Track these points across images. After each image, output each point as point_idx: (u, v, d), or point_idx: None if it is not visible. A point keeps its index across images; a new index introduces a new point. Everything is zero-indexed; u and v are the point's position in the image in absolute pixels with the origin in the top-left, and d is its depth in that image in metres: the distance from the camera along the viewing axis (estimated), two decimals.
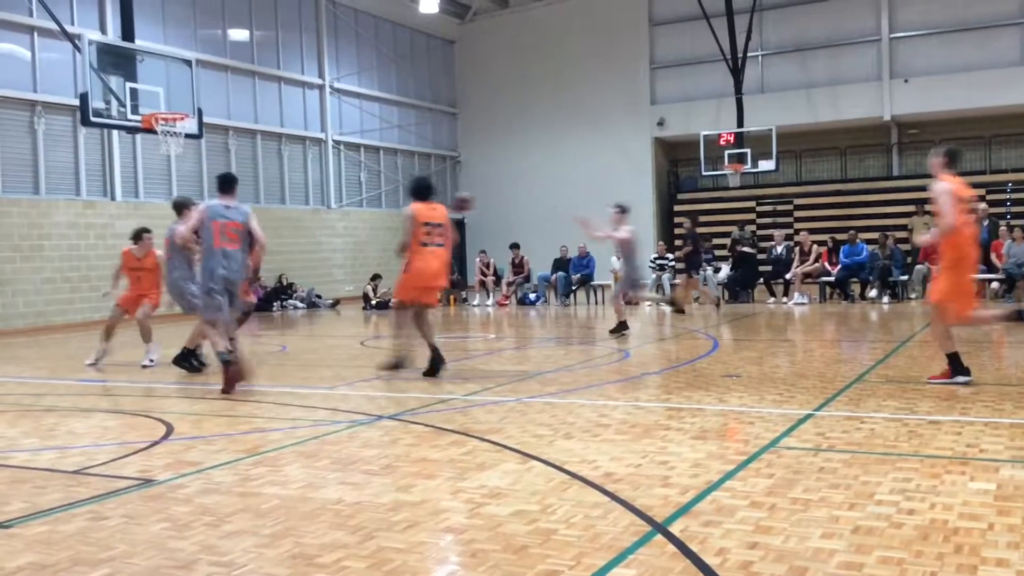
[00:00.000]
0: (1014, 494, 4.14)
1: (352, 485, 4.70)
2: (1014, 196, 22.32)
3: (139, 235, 11.07)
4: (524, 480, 4.68)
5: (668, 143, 27.72)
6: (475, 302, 21.05)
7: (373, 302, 20.79)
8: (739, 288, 18.74)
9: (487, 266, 21.37)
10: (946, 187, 7.14)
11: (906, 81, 23.92)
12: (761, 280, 18.89)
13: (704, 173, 24.36)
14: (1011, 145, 24.00)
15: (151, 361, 10.57)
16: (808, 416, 6.15)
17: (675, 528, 3.81)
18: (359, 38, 25.96)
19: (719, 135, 23.52)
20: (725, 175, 23.83)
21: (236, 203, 8.68)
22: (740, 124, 23.69)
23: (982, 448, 5.09)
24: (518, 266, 20.98)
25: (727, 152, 23.25)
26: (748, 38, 23.70)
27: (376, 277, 21.54)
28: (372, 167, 26.60)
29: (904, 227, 21.27)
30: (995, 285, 17.00)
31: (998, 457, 4.88)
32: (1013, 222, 18.10)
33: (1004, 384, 7.34)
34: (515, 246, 21.02)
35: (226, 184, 8.70)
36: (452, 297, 21.75)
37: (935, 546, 3.49)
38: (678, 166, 28.08)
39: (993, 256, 16.79)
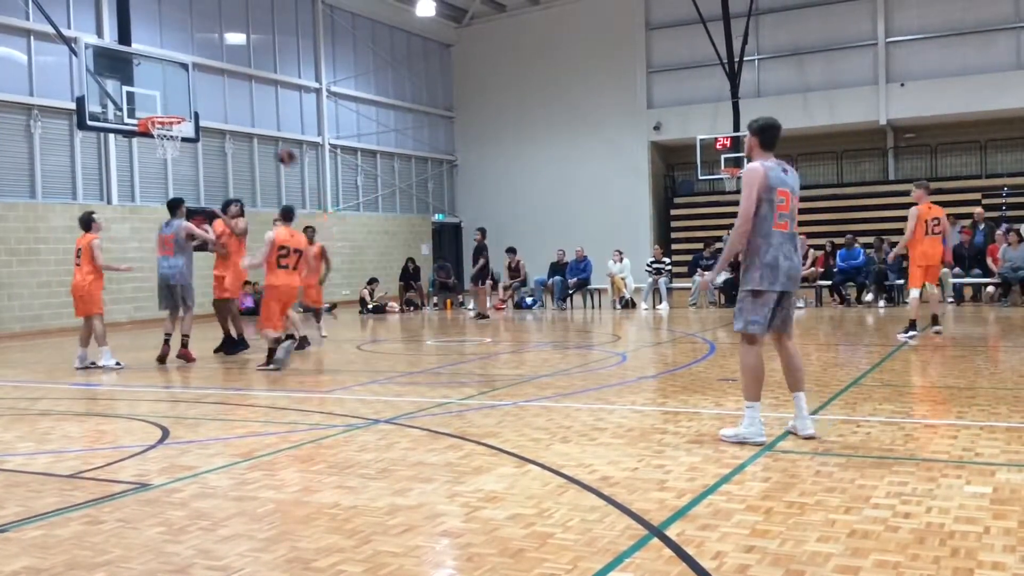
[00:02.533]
0: (1010, 498, 4.15)
1: (348, 489, 4.69)
2: (1009, 200, 22.37)
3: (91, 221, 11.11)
4: (521, 484, 4.68)
5: (665, 147, 27.77)
6: (471, 306, 21.05)
7: (370, 306, 20.78)
8: (735, 292, 18.75)
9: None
10: (270, 236, 10.00)
11: (902, 85, 23.99)
12: None
13: (700, 177, 24.40)
14: (1007, 149, 24.07)
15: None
16: None
17: (672, 532, 3.81)
18: (356, 42, 25.99)
19: (715, 139, 23.58)
20: (721, 179, 23.88)
21: None
22: (736, 128, 23.74)
23: (978, 452, 5.09)
24: (514, 270, 20.97)
25: (723, 156, 23.30)
26: (744, 42, 23.77)
27: (373, 281, 21.53)
28: (369, 171, 26.62)
29: (901, 231, 21.31)
30: (991, 289, 17.02)
31: (994, 461, 4.89)
32: (1015, 226, 18.09)
33: (999, 388, 7.35)
34: (511, 250, 21.02)
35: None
36: (448, 301, 21.75)
37: (931, 549, 3.49)
38: (674, 170, 28.13)
39: (989, 260, 16.81)
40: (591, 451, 5.39)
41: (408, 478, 4.88)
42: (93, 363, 10.73)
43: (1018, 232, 16.74)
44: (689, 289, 19.56)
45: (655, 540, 3.71)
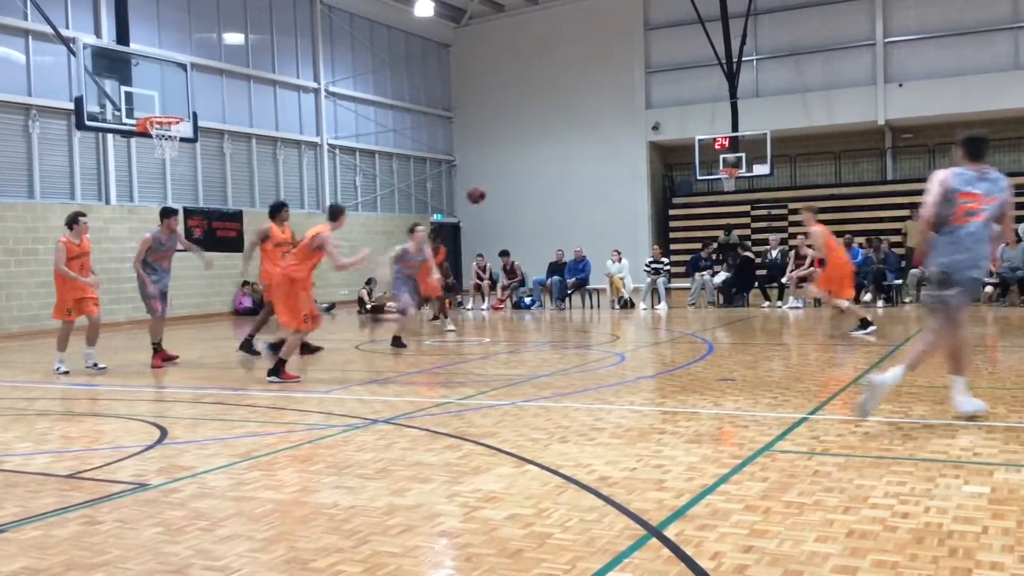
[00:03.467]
0: (1008, 497, 4.15)
1: (347, 489, 4.69)
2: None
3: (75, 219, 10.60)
4: (519, 484, 4.68)
5: (663, 147, 27.77)
6: (470, 306, 21.05)
7: (368, 306, 20.77)
8: (734, 292, 18.77)
9: (483, 270, 21.38)
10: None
11: (900, 85, 23.99)
12: (756, 284, 18.92)
13: (699, 177, 24.38)
14: (1005, 149, 24.07)
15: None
16: (803, 420, 6.16)
17: (670, 532, 3.81)
18: (354, 42, 25.98)
19: (714, 139, 23.56)
20: (720, 179, 23.87)
21: None
22: (735, 128, 23.73)
23: (976, 452, 5.10)
24: (510, 272, 21.03)
25: (722, 156, 23.28)
26: (743, 42, 23.76)
27: (371, 281, 21.52)
28: (367, 171, 26.61)
29: (898, 231, 21.35)
30: (988, 289, 17.04)
31: (992, 460, 4.89)
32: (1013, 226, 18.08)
33: (998, 388, 7.36)
34: (504, 253, 21.09)
35: None
36: (447, 301, 21.74)
37: (930, 549, 3.50)
38: (673, 170, 28.12)
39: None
40: (589, 451, 5.40)
41: (407, 478, 4.88)
42: (95, 364, 10.64)
43: (1016, 232, 16.75)
44: (688, 289, 19.57)
45: (653, 540, 3.72)
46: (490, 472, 4.96)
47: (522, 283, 21.21)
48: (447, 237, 29.59)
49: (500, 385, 8.37)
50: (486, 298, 20.98)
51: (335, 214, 9.64)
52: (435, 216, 29.21)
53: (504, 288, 20.95)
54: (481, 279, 21.29)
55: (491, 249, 23.09)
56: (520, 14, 28.92)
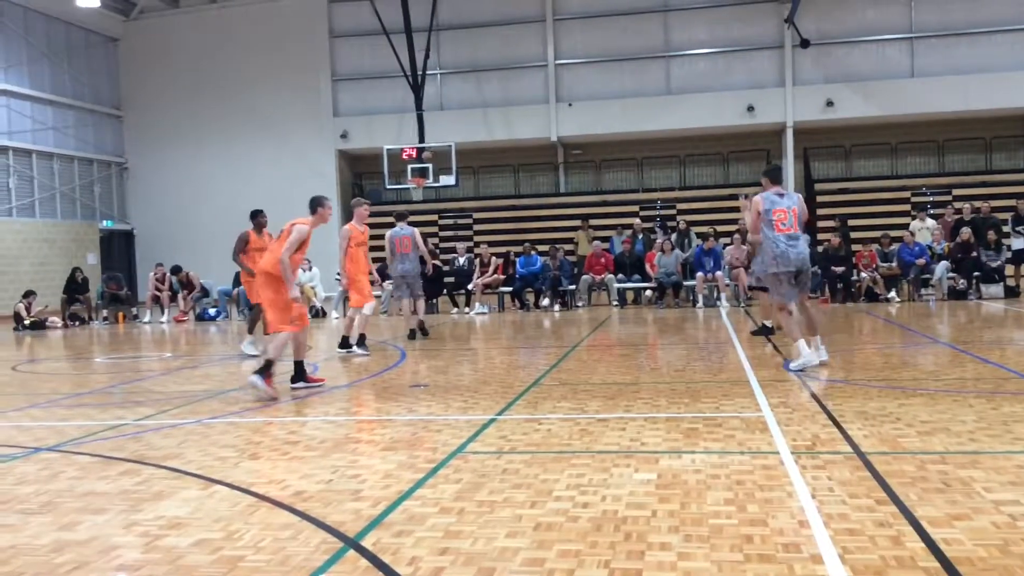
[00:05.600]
0: (672, 482, 4.59)
1: (6, 528, 4.18)
2: (663, 212, 24.89)
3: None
4: (206, 507, 4.43)
5: (352, 155, 27.75)
6: (147, 319, 19.69)
7: (27, 322, 18.71)
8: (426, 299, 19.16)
9: (162, 280, 20.11)
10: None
11: (570, 105, 25.86)
12: (445, 291, 19.46)
13: (388, 186, 24.63)
14: (660, 166, 26.77)
15: None
16: (492, 421, 6.41)
17: (367, 542, 3.79)
18: (5, 30, 23.34)
19: (402, 149, 23.92)
20: (408, 188, 24.28)
21: None
22: (421, 139, 24.27)
23: (643, 442, 5.59)
24: (187, 284, 19.99)
25: (410, 166, 23.69)
26: (427, 56, 24.38)
27: (30, 293, 19.41)
28: (23, 172, 23.99)
29: (571, 240, 22.97)
30: (648, 292, 18.80)
31: (657, 449, 5.39)
32: (669, 234, 20.09)
33: (659, 382, 8.13)
34: (176, 270, 20.03)
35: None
36: (120, 314, 20.19)
37: (608, 536, 3.77)
38: (363, 178, 28.18)
39: (647, 267, 18.59)
40: (283, 466, 5.24)
41: (76, 510, 4.43)
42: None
43: (671, 241, 18.72)
44: (379, 297, 19.66)
45: (351, 552, 3.68)
46: (173, 497, 4.64)
47: (206, 294, 20.20)
48: (118, 246, 27.55)
49: (184, 402, 7.89)
50: (166, 310, 19.75)
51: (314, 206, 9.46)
52: (105, 223, 26.97)
53: (186, 299, 19.85)
54: (160, 290, 20.02)
55: (169, 258, 21.78)
56: (198, 11, 27.55)
